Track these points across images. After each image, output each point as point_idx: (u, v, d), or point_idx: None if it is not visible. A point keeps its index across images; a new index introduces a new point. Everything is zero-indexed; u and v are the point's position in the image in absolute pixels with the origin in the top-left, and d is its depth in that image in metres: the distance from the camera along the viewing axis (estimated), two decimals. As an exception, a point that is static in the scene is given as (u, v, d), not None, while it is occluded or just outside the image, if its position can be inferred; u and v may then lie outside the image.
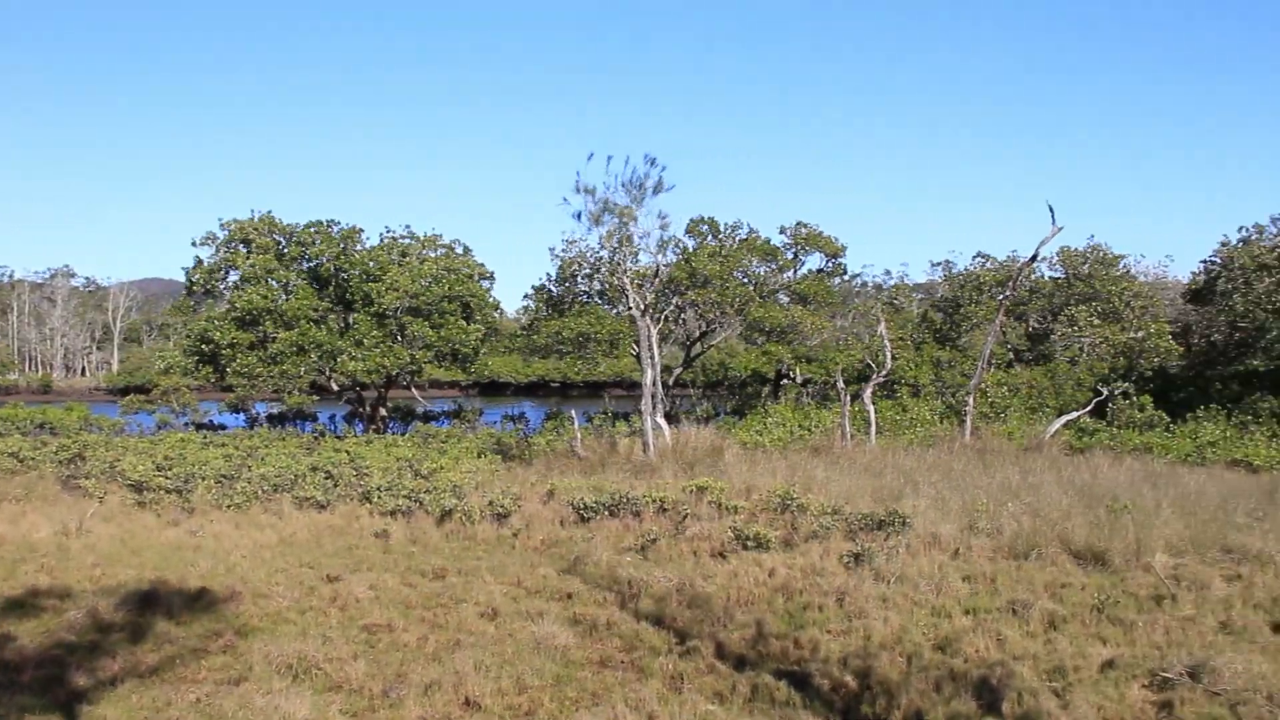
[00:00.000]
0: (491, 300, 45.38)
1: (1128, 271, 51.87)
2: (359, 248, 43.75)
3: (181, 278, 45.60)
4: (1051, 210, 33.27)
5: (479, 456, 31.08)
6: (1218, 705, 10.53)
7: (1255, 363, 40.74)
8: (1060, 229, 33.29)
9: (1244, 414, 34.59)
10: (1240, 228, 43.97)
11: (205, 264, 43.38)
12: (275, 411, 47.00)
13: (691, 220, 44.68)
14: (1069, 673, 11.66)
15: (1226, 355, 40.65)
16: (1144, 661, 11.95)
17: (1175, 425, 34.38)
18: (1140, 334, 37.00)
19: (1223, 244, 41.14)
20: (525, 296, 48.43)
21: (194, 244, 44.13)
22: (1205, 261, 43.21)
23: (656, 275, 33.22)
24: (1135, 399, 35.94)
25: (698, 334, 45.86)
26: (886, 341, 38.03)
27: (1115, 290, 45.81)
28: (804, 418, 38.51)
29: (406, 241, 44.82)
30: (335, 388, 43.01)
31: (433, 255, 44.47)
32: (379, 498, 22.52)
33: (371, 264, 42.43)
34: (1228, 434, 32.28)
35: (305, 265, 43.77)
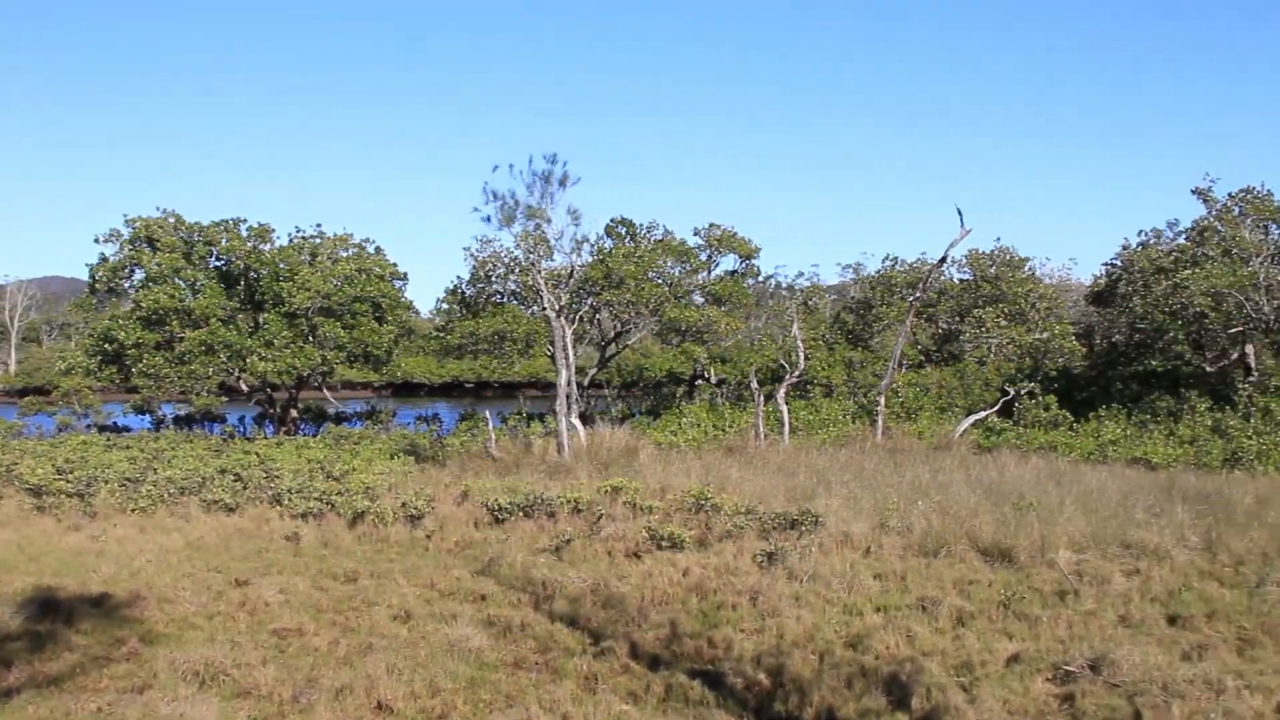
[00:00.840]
0: (405, 301, 44.93)
1: (1033, 274, 53.02)
2: (269, 247, 43.04)
3: (83, 276, 44.43)
4: (960, 213, 33.99)
5: (392, 458, 30.77)
6: (1116, 696, 10.82)
7: (1154, 363, 41.89)
8: (968, 232, 33.95)
9: (1143, 413, 35.53)
10: (1140, 231, 45.28)
11: (109, 262, 42.33)
12: (182, 413, 46.03)
13: (610, 221, 44.72)
14: (976, 668, 11.89)
15: (1127, 356, 41.68)
16: (1048, 655, 12.23)
17: (1078, 424, 35.19)
18: (1045, 335, 37.84)
19: (1123, 247, 42.21)
20: (439, 299, 48.05)
21: (97, 241, 43.00)
22: (1107, 264, 44.33)
23: (571, 276, 33.18)
24: (1040, 399, 36.71)
25: (613, 334, 45.90)
26: (800, 342, 38.42)
27: (1021, 292, 46.80)
28: (718, 418, 38.75)
29: (317, 241, 44.18)
30: (245, 389, 42.26)
31: (344, 255, 43.89)
32: (290, 500, 22.18)
33: (282, 263, 41.75)
34: (1128, 433, 33.13)
35: (213, 264, 42.94)
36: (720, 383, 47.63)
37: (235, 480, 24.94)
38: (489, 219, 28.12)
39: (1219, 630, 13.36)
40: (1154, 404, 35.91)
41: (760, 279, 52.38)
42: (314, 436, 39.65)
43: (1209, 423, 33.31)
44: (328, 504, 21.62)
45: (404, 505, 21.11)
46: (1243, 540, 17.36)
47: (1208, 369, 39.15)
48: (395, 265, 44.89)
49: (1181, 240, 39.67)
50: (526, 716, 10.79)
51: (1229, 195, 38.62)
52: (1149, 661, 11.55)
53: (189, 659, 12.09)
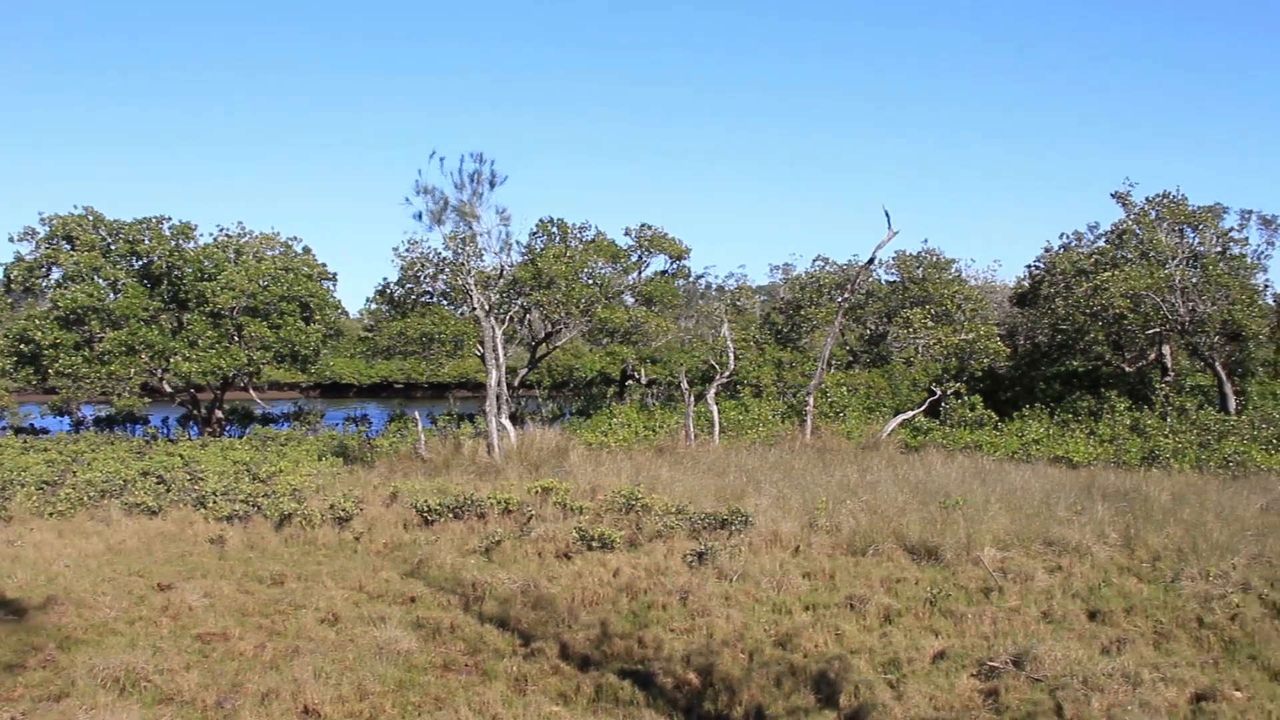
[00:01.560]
0: (333, 300, 44.40)
1: (959, 275, 53.68)
2: (192, 245, 42.29)
3: (-2, 275, 43.36)
4: (888, 215, 34.31)
5: (320, 459, 30.41)
6: (1039, 691, 11.01)
7: (1075, 364, 42.65)
8: (896, 233, 34.35)
9: (1065, 412, 36.17)
10: (1062, 234, 46.14)
11: (25, 260, 41.32)
12: (103, 414, 45.11)
13: (539, 221, 44.57)
14: (903, 664, 12.02)
15: (1049, 356, 42.35)
16: (973, 652, 12.41)
17: (1003, 423, 35.72)
18: (971, 336, 38.29)
19: (1046, 250, 42.96)
20: (368, 299, 47.53)
21: (12, 239, 42.01)
22: (1030, 266, 45.08)
23: (501, 276, 33.02)
24: (966, 398, 37.18)
25: (543, 335, 45.73)
26: (730, 343, 38.59)
27: (947, 293, 47.34)
28: (649, 418, 38.79)
29: (243, 240, 43.52)
30: (168, 389, 41.49)
31: (270, 254, 43.28)
32: (214, 502, 21.84)
33: (206, 262, 41.03)
34: (1050, 432, 33.70)
35: (134, 263, 42.08)
36: (651, 383, 47.67)
37: (158, 483, 24.51)
38: (419, 216, 27.83)
39: (1136, 624, 13.66)
40: (1075, 403, 36.58)
41: (691, 279, 52.51)
42: (240, 438, 39.03)
43: (1128, 422, 33.99)
44: (254, 506, 21.32)
45: (332, 507, 20.89)
46: (1159, 536, 17.76)
47: (1127, 369, 39.99)
48: (323, 265, 44.38)
49: (1101, 243, 40.44)
50: (456, 719, 10.72)
51: (1146, 199, 39.45)
52: (1070, 656, 11.76)
53: (108, 665, 11.84)
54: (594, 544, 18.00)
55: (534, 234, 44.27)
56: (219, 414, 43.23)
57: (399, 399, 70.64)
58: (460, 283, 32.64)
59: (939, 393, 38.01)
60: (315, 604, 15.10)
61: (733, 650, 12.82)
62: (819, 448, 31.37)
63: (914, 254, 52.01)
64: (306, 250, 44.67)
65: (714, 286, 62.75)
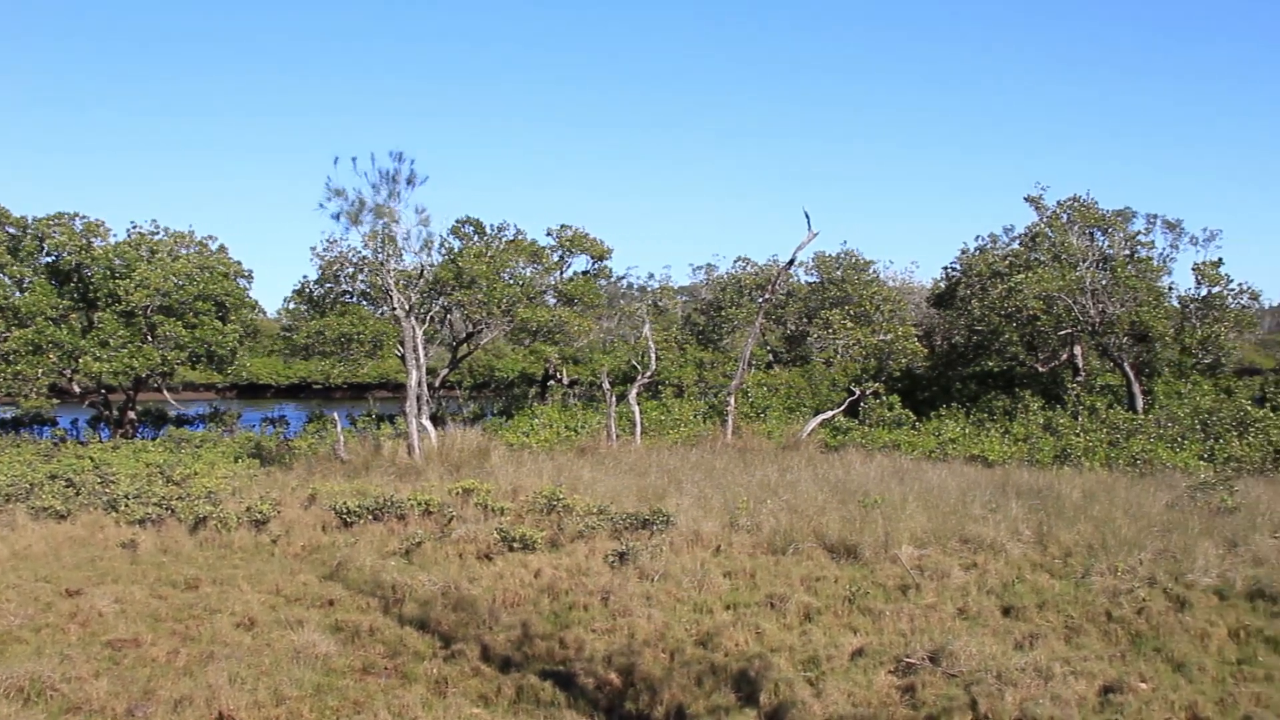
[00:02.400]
0: (249, 300, 43.64)
1: (877, 276, 54.39)
2: (103, 243, 41.26)
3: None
4: (807, 216, 34.60)
5: (236, 461, 29.91)
6: (954, 686, 11.18)
7: (990, 364, 43.45)
8: (815, 235, 34.70)
9: (980, 412, 36.81)
10: (977, 236, 47.01)
11: (-73, 257, 40.04)
12: (9, 416, 43.92)
13: (457, 221, 44.20)
14: (822, 662, 12.14)
15: (965, 357, 43.07)
16: (890, 649, 12.57)
17: (920, 423, 36.24)
18: (889, 336, 38.79)
19: (962, 252, 43.72)
20: (286, 298, 46.76)
21: (-87, 235, 40.71)
22: (947, 268, 45.88)
23: (421, 275, 32.76)
24: (885, 398, 37.65)
25: (464, 335, 45.38)
26: (651, 343, 38.70)
27: (866, 294, 47.92)
28: (571, 418, 38.73)
29: (156, 238, 42.57)
30: (78, 390, 40.47)
31: (185, 253, 42.40)
32: (126, 506, 21.36)
33: (118, 260, 40.07)
34: (966, 431, 34.27)
35: (42, 260, 41.00)
36: (573, 383, 47.61)
37: (67, 486, 23.91)
38: (337, 217, 27.55)
39: (1049, 620, 13.94)
40: (990, 403, 37.25)
41: (612, 280, 52.53)
42: (153, 440, 38.15)
43: (1041, 421, 34.68)
44: (167, 509, 20.91)
45: (248, 510, 20.56)
46: (1070, 533, 18.14)
47: (1040, 370, 40.82)
48: (239, 264, 43.60)
49: (1016, 245, 41.22)
50: (375, 723, 10.61)
51: (1058, 203, 40.29)
52: (984, 651, 11.96)
53: (13, 674, 11.50)
54: (515, 545, 17.93)
55: (450, 234, 43.90)
56: (131, 415, 42.28)
57: (318, 400, 69.70)
58: (380, 282, 32.35)
59: (858, 393, 38.45)
60: (231, 608, 14.85)
61: (654, 650, 12.84)
62: (740, 447, 31.57)
63: (833, 255, 52.58)
64: (222, 249, 43.84)
65: (636, 287, 62.80)
